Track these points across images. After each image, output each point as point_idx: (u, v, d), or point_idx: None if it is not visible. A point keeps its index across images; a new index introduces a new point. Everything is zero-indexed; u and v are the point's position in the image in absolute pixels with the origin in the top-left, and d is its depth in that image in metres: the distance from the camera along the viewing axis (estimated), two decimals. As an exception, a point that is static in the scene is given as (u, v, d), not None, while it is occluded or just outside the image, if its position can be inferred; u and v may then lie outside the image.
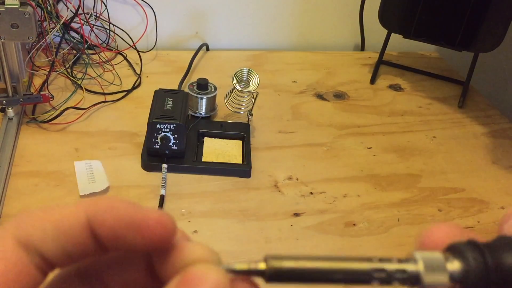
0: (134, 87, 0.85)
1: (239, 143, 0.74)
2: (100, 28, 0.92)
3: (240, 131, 0.75)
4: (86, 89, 0.82)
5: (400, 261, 0.19)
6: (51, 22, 0.79)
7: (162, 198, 0.63)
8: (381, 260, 0.19)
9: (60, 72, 0.84)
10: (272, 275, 0.19)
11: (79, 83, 0.82)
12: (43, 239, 0.19)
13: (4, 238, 0.19)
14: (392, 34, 0.93)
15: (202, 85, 0.77)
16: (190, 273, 0.19)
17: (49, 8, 0.79)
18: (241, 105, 0.77)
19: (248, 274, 0.20)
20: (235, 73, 0.74)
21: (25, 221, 0.20)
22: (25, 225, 0.19)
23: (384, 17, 0.91)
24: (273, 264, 0.19)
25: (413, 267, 0.19)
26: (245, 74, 0.75)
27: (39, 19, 0.78)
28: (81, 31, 0.87)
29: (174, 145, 0.67)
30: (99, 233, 0.19)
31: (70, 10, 0.85)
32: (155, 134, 0.66)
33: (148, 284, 0.22)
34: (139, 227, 0.19)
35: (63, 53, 0.86)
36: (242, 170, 0.69)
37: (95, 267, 0.22)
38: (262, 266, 0.20)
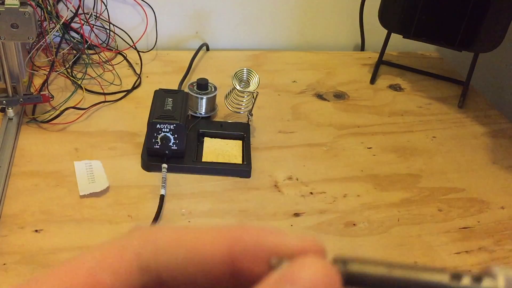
0: (134, 87, 0.85)
1: (239, 143, 0.74)
2: (100, 28, 0.92)
3: (240, 131, 0.75)
4: (86, 89, 0.82)
5: (475, 277, 0.17)
6: (51, 22, 0.79)
7: (162, 198, 0.63)
8: (453, 275, 0.17)
9: (60, 72, 0.84)
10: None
11: (79, 83, 0.82)
12: (170, 265, 0.17)
13: (125, 251, 0.17)
14: (392, 34, 0.93)
15: (202, 85, 0.77)
16: (293, 265, 0.16)
17: (49, 8, 0.79)
18: (241, 105, 0.77)
19: None
20: (235, 73, 0.74)
21: (152, 239, 0.17)
22: (152, 245, 0.17)
23: (384, 17, 0.91)
24: (338, 266, 0.17)
25: (491, 284, 0.17)
26: (245, 74, 0.75)
27: (39, 19, 0.78)
28: (81, 31, 0.87)
29: (174, 145, 0.67)
30: (242, 266, 0.17)
31: (70, 10, 0.85)
32: (155, 134, 0.66)
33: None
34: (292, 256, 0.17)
35: (63, 53, 0.86)
36: (242, 170, 0.69)
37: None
38: None
